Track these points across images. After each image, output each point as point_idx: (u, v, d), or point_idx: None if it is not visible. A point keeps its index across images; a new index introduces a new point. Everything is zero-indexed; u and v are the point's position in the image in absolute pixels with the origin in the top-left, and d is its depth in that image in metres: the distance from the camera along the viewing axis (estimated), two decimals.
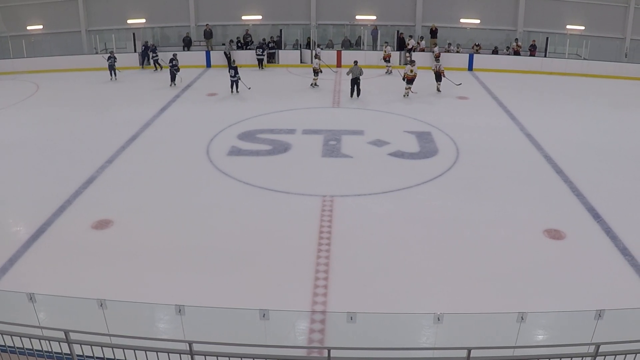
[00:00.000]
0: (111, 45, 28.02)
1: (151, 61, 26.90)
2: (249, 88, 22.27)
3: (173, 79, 23.33)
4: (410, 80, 21.37)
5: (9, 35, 27.56)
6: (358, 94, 21.75)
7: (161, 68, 26.18)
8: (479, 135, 17.03)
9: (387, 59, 25.93)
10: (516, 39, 27.74)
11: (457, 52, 27.75)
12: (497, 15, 28.93)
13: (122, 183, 13.73)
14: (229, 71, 22.49)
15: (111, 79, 24.38)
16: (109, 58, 24.17)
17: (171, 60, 23.23)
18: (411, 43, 27.14)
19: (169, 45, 29.06)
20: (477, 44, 27.94)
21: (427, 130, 17.41)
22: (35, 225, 11.40)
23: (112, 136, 16.79)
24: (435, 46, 26.96)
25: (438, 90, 22.53)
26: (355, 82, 21.64)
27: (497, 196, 12.98)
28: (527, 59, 26.84)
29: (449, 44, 27.89)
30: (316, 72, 23.20)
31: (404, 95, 21.51)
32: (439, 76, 22.55)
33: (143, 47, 27.50)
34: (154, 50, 26.83)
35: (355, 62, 21.96)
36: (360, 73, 21.63)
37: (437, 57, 24.27)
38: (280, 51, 27.85)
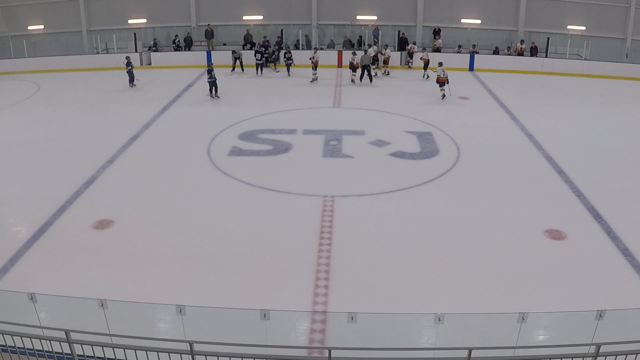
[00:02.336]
0: (112, 44, 28.07)
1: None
2: (277, 71, 25.05)
3: (214, 90, 21.42)
4: (442, 82, 21.11)
5: (10, 35, 27.59)
6: (370, 80, 24.08)
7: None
8: (480, 136, 17.02)
9: (386, 61, 25.78)
10: (522, 41, 27.69)
11: (458, 52, 27.75)
12: (498, 16, 28.93)
13: (123, 183, 13.74)
14: (255, 55, 25.29)
15: (131, 85, 23.39)
16: (128, 64, 23.26)
17: (209, 72, 21.35)
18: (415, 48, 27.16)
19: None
20: (473, 44, 27.95)
21: (427, 131, 17.41)
22: (36, 225, 11.41)
23: (112, 136, 16.79)
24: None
25: (427, 77, 24.53)
26: (365, 68, 23.92)
27: (497, 196, 12.98)
28: (528, 60, 26.83)
29: (437, 30, 28.12)
30: (355, 68, 23.90)
31: (442, 97, 21.19)
32: (426, 66, 24.72)
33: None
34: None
35: (365, 50, 25.13)
36: (370, 61, 24.08)
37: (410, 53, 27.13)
38: (281, 51, 27.77)
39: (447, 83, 21.16)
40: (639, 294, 9.22)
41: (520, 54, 27.26)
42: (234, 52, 26.16)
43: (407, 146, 16.05)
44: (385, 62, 25.67)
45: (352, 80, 24.01)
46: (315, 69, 23.98)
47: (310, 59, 24.10)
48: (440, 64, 21.35)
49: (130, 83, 23.42)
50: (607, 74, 25.50)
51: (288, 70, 25.45)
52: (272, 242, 10.90)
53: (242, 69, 25.93)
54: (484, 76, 25.54)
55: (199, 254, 10.46)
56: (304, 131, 17.40)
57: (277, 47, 27.15)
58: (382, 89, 23.42)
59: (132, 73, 23.33)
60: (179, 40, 28.42)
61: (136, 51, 27.69)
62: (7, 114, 19.92)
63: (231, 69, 25.97)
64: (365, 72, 23.94)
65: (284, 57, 25.77)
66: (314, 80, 24.01)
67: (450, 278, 9.73)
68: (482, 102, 21.43)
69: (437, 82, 21.28)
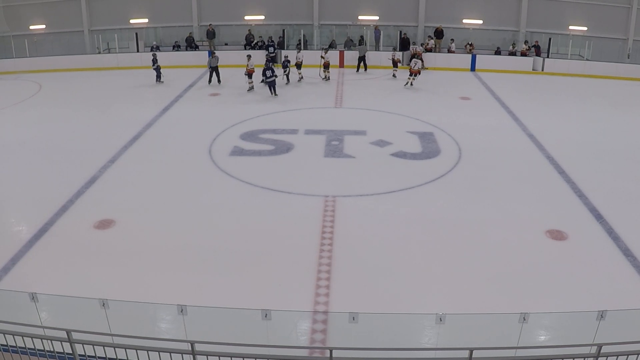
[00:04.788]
0: (114, 44, 28.14)
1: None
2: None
3: (273, 89, 21.39)
4: (413, 73, 23.10)
5: (12, 34, 27.60)
6: (365, 69, 25.97)
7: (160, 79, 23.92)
8: (481, 136, 17.01)
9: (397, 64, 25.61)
10: (526, 41, 27.57)
11: (451, 51, 27.73)
12: (500, 16, 28.88)
13: (124, 183, 13.74)
14: (267, 49, 26.33)
15: (157, 81, 23.60)
16: (154, 61, 23.45)
17: (265, 72, 21.19)
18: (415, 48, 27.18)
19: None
20: (469, 43, 27.93)
21: (429, 131, 17.40)
22: (38, 225, 11.42)
23: (114, 136, 16.80)
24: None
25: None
26: (361, 59, 26.07)
27: (499, 197, 12.97)
28: (529, 60, 26.77)
29: (430, 37, 28.10)
30: (395, 63, 25.08)
31: (405, 85, 23.19)
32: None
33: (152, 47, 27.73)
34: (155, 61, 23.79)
35: (365, 42, 26.82)
36: (366, 51, 26.20)
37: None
38: (282, 51, 27.75)
39: (418, 74, 23.13)
40: None
41: (524, 54, 27.11)
42: (213, 53, 23.81)
43: (408, 146, 16.05)
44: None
45: (394, 75, 24.90)
46: (250, 77, 22.20)
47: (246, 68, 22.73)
48: (415, 58, 23.80)
49: (157, 79, 23.68)
50: (608, 75, 25.46)
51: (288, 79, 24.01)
52: (273, 242, 10.90)
53: (219, 80, 23.38)
54: (485, 76, 25.51)
55: (200, 254, 10.47)
56: (306, 131, 17.39)
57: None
58: (384, 89, 23.41)
59: (159, 70, 23.54)
60: (193, 40, 28.62)
61: (137, 51, 27.74)
62: (9, 113, 19.94)
63: (208, 80, 23.66)
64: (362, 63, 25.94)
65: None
66: (251, 89, 22.26)
67: (451, 278, 9.73)
68: (484, 103, 21.43)
69: (410, 71, 23.18)
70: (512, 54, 27.54)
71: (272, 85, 21.45)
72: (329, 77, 24.46)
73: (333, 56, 26.91)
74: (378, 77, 25.08)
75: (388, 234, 11.22)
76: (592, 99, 22.14)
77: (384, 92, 22.79)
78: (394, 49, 25.97)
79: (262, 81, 21.91)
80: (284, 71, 23.40)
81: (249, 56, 22.48)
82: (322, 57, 24.39)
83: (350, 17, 29.50)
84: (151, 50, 26.87)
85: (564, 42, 27.30)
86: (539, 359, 6.06)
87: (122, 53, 27.50)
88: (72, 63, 26.72)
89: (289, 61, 23.59)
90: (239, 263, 10.19)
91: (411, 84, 23.03)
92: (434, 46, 27.77)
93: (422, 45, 27.05)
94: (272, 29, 29.31)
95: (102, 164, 14.63)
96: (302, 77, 24.17)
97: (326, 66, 24.33)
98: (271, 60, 23.92)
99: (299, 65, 23.95)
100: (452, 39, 27.96)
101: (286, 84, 23.27)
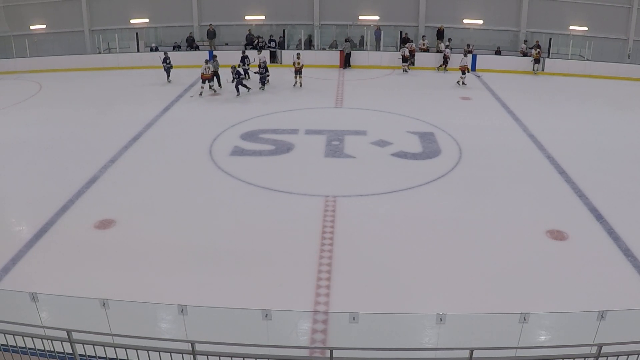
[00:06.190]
0: (114, 44, 28.18)
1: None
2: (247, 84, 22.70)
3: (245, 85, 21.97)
4: (462, 70, 23.90)
5: (12, 34, 27.61)
6: (349, 65, 26.90)
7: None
8: (482, 136, 17.02)
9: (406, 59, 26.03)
10: (536, 44, 27.27)
11: (441, 51, 27.69)
12: (501, 16, 28.88)
13: (125, 183, 13.75)
14: (270, 43, 26.85)
15: (168, 80, 23.78)
16: (165, 60, 23.54)
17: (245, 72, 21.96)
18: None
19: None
20: (468, 44, 27.87)
21: (429, 131, 17.40)
22: (38, 225, 11.42)
23: (114, 136, 16.80)
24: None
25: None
26: (348, 56, 26.94)
27: (499, 197, 12.98)
28: (529, 60, 26.69)
29: (423, 36, 28.17)
30: (406, 59, 25.93)
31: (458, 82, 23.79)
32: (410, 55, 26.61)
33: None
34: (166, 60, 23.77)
35: (348, 39, 27.36)
36: (351, 48, 27.18)
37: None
38: (283, 51, 27.77)
39: (468, 71, 23.94)
40: None
41: (537, 59, 26.59)
42: (215, 57, 23.23)
43: (409, 146, 16.05)
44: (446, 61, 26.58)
45: (404, 70, 25.88)
46: (203, 82, 21.71)
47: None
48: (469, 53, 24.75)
49: (167, 79, 23.82)
50: (608, 75, 25.44)
51: (262, 84, 22.74)
52: (274, 242, 10.91)
53: (220, 84, 22.45)
54: (485, 76, 25.48)
55: (201, 254, 10.47)
56: (306, 131, 17.39)
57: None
58: (384, 89, 23.44)
59: (169, 70, 23.67)
60: (193, 40, 28.69)
61: (138, 51, 27.74)
62: (9, 113, 19.93)
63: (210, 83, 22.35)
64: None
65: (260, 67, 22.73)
66: (200, 94, 21.64)
67: (452, 278, 9.73)
68: (484, 103, 21.41)
69: (462, 70, 23.89)
70: (525, 54, 27.18)
71: (239, 84, 21.69)
72: (300, 83, 23.04)
73: (333, 56, 27.04)
74: (378, 77, 25.10)
75: (388, 234, 11.22)
76: (593, 99, 22.14)
77: (384, 92, 22.81)
78: (404, 46, 26.27)
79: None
80: (261, 78, 22.53)
81: (206, 60, 21.87)
82: (293, 63, 22.96)
83: (350, 17, 29.50)
84: (151, 51, 26.94)
85: (564, 42, 27.29)
86: (539, 359, 6.06)
87: (123, 53, 27.52)
88: (72, 63, 26.69)
89: (266, 68, 22.53)
90: (239, 263, 10.19)
91: (463, 83, 23.72)
92: (427, 46, 27.70)
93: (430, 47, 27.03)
94: (272, 29, 29.35)
95: (102, 164, 14.63)
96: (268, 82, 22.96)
97: (298, 71, 22.85)
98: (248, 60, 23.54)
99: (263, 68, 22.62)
100: (442, 39, 27.93)
101: (260, 88, 22.61)
